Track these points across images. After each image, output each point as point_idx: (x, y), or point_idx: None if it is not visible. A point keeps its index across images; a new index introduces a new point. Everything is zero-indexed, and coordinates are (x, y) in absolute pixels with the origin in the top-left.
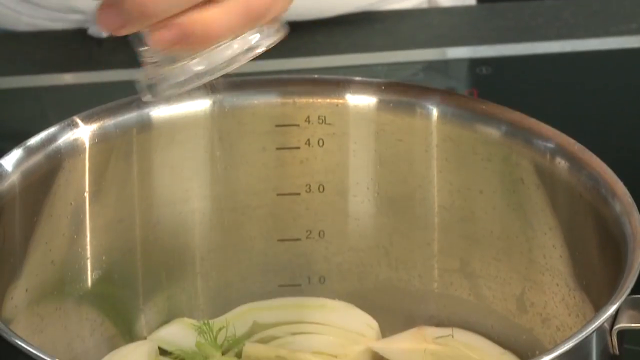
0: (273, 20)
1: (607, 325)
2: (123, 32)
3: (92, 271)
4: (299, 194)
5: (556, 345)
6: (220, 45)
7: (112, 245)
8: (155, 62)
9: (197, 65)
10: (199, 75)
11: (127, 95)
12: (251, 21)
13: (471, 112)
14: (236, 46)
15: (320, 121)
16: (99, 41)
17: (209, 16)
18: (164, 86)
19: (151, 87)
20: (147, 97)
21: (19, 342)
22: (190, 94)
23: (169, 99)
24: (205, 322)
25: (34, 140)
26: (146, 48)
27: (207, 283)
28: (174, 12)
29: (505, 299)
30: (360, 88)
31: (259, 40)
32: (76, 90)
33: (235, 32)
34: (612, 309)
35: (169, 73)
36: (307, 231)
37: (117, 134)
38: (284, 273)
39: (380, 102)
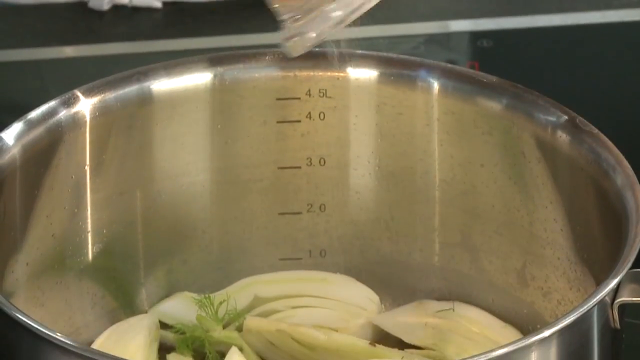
0: None
1: (608, 299)
2: None
3: (92, 245)
4: (299, 167)
5: (557, 319)
6: None
7: (112, 218)
8: (294, 16)
9: (333, 11)
10: (336, 20)
11: (127, 68)
12: None
13: (472, 85)
14: None
15: (321, 94)
16: (99, 14)
17: None
18: (306, 38)
19: (294, 42)
20: (292, 52)
21: (20, 316)
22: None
23: (311, 48)
24: (206, 295)
25: (34, 114)
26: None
27: (208, 256)
28: None
29: (506, 272)
30: (361, 61)
31: None
32: (77, 63)
33: None
34: (614, 282)
35: (309, 24)
36: (308, 204)
37: (118, 107)
38: (285, 246)
39: (381, 75)
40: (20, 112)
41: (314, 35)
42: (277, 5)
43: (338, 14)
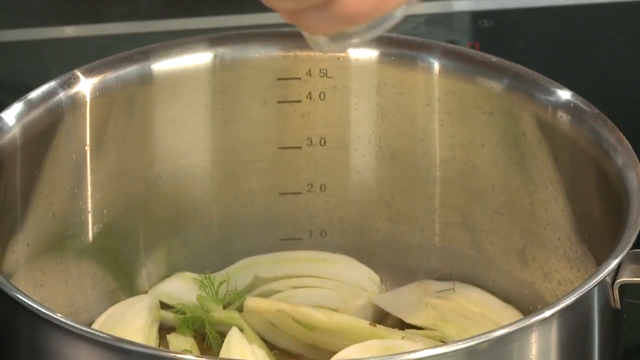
0: None
1: (609, 280)
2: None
3: (93, 225)
4: (300, 147)
5: (558, 300)
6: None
7: (113, 199)
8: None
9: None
10: (370, 26)
11: (128, 49)
12: None
13: (473, 65)
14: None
15: (322, 74)
16: None
17: None
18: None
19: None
20: (316, 45)
21: (20, 296)
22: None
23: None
24: (207, 275)
25: (34, 94)
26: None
27: (208, 237)
28: None
29: (506, 252)
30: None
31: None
32: (77, 43)
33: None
34: (614, 263)
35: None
36: (308, 185)
37: (118, 87)
38: (285, 227)
39: (381, 55)
40: (21, 93)
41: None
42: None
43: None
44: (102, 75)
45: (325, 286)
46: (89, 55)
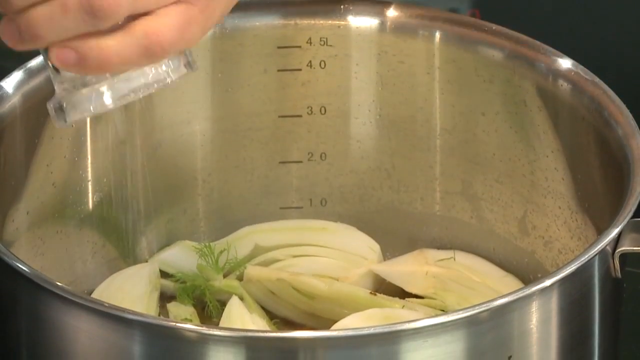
0: (180, 53)
1: (609, 249)
2: (21, 48)
3: (93, 194)
4: (300, 116)
5: (559, 269)
6: (128, 73)
7: (113, 167)
8: (65, 86)
9: (103, 92)
10: (104, 102)
11: None
12: (150, 57)
13: (473, 33)
14: (142, 76)
15: (322, 43)
16: None
17: (105, 45)
18: (72, 111)
19: (60, 112)
20: (57, 123)
21: (20, 265)
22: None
23: (75, 123)
24: (207, 244)
25: (34, 62)
26: (56, 72)
27: (209, 205)
28: (66, 37)
29: (507, 221)
30: (362, 9)
31: (165, 72)
32: None
33: (133, 64)
34: (615, 232)
35: (77, 98)
36: (308, 153)
37: None
38: (286, 195)
39: (382, 23)
40: (21, 61)
41: (81, 108)
42: (54, 74)
43: (106, 95)
44: None
45: (326, 255)
46: None
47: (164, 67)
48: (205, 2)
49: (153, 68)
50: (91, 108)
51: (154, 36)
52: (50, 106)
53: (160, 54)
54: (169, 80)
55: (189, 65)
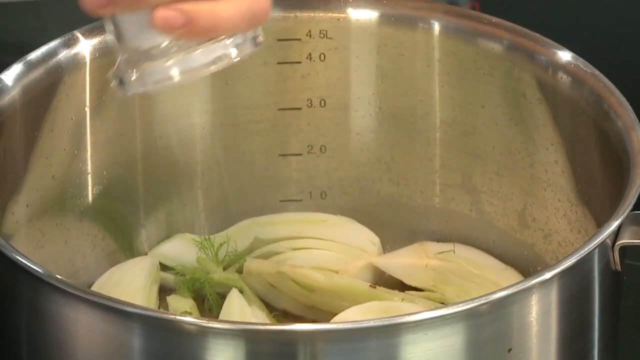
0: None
1: (609, 242)
2: (104, 13)
3: (92, 186)
4: (300, 108)
5: (558, 261)
6: (199, 49)
7: (113, 160)
8: (131, 58)
9: (171, 67)
10: (169, 78)
11: None
12: (252, 21)
13: (473, 26)
14: (210, 53)
15: (322, 35)
16: None
17: (216, 7)
18: (135, 84)
19: (123, 82)
20: (118, 92)
21: (20, 258)
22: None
23: (136, 94)
24: (207, 237)
25: (34, 55)
26: (121, 43)
27: (208, 198)
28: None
29: (507, 214)
30: (362, 2)
31: (232, 50)
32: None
33: (237, 29)
34: (615, 225)
35: (142, 70)
36: (308, 146)
37: None
38: (286, 188)
39: (381, 16)
40: (21, 53)
41: (146, 80)
42: (122, 43)
43: (173, 70)
44: (102, 36)
45: (326, 248)
46: (89, 16)
47: (229, 44)
48: None
49: (219, 45)
50: (155, 82)
51: (260, 2)
52: (112, 76)
53: (261, 20)
54: (236, 57)
55: (254, 41)
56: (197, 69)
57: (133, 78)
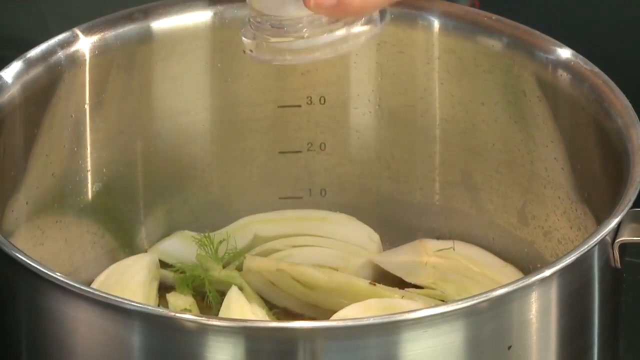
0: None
1: (609, 239)
2: None
3: (92, 184)
4: (300, 106)
5: (558, 259)
6: (333, 30)
7: (112, 157)
8: (262, 25)
9: (300, 44)
10: (298, 53)
11: (128, 7)
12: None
13: (473, 23)
14: (342, 33)
15: None
16: None
17: None
18: (265, 54)
19: (257, 48)
20: (251, 53)
21: (19, 255)
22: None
23: (263, 62)
24: (206, 234)
25: (34, 52)
26: (263, 8)
27: (208, 196)
28: None
29: (506, 211)
30: None
31: (365, 30)
32: (77, 1)
33: (378, 6)
34: (614, 222)
35: (273, 44)
36: (308, 143)
37: (118, 45)
38: (285, 185)
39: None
40: (20, 51)
41: (277, 50)
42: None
43: (301, 48)
44: (102, 34)
45: (325, 245)
46: (89, 13)
47: (356, 28)
48: None
49: (346, 28)
50: (285, 57)
51: None
52: (242, 35)
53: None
54: (363, 39)
55: (378, 23)
56: (323, 49)
57: (263, 50)
